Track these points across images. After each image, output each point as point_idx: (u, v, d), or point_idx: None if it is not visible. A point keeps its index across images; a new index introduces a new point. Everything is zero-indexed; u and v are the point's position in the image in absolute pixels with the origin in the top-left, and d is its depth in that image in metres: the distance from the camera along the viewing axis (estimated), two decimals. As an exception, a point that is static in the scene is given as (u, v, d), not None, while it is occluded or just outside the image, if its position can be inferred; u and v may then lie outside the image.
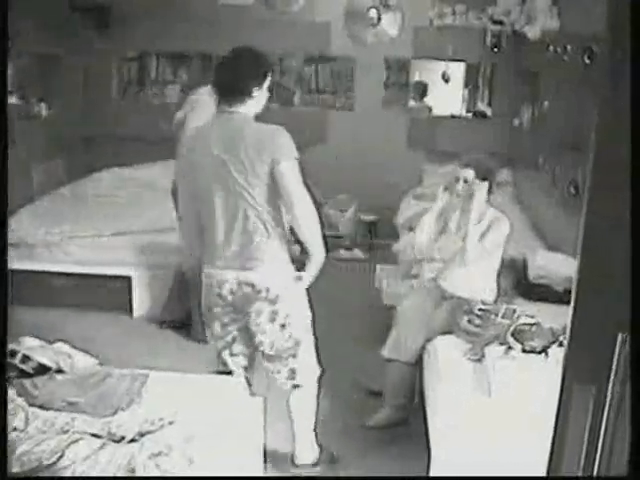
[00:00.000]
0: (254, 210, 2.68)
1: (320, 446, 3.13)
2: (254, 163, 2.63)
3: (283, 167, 2.62)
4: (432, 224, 3.57)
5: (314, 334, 2.97)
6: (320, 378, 3.02)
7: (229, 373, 3.03)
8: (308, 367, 2.96)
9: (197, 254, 2.92)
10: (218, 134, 2.70)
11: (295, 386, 2.95)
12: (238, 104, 2.72)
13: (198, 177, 2.76)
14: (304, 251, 2.80)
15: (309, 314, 2.93)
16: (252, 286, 2.73)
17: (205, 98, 3.80)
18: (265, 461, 2.84)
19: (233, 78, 2.72)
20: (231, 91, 2.73)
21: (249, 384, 2.95)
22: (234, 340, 2.93)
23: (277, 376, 2.93)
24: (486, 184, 3.47)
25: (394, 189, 5.75)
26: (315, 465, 3.10)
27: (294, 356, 2.88)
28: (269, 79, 2.79)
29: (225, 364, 3.00)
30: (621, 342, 1.02)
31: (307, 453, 3.08)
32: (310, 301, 2.93)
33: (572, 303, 1.08)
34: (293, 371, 2.92)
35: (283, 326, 2.81)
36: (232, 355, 2.96)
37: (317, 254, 2.72)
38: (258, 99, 2.77)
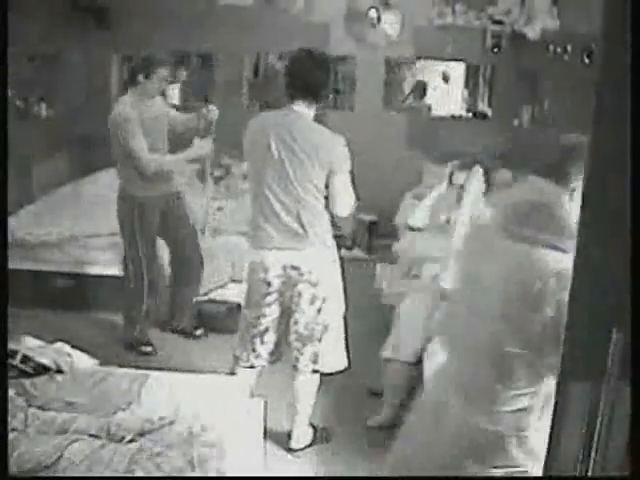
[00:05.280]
0: (303, 200, 2.84)
1: (313, 427, 3.25)
2: (309, 163, 2.78)
3: (337, 179, 2.83)
4: (428, 208, 3.64)
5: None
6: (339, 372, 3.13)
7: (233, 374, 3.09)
8: (331, 356, 3.04)
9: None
10: (277, 129, 2.81)
11: (315, 371, 3.04)
12: (305, 104, 2.84)
13: (256, 162, 2.90)
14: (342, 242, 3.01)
15: (343, 305, 3.08)
16: (297, 269, 2.88)
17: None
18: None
19: (310, 78, 2.84)
20: (306, 90, 2.83)
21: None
22: (267, 330, 3.03)
23: (301, 358, 3.02)
24: (484, 184, 3.48)
25: (394, 189, 5.74)
26: (310, 445, 3.22)
27: (320, 340, 2.99)
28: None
29: (249, 352, 3.06)
30: (616, 338, 1.02)
31: (303, 437, 3.19)
32: (346, 296, 3.11)
33: (568, 299, 1.09)
34: (316, 355, 3.01)
35: (319, 310, 2.94)
36: (262, 343, 3.05)
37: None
38: (319, 102, 2.89)
